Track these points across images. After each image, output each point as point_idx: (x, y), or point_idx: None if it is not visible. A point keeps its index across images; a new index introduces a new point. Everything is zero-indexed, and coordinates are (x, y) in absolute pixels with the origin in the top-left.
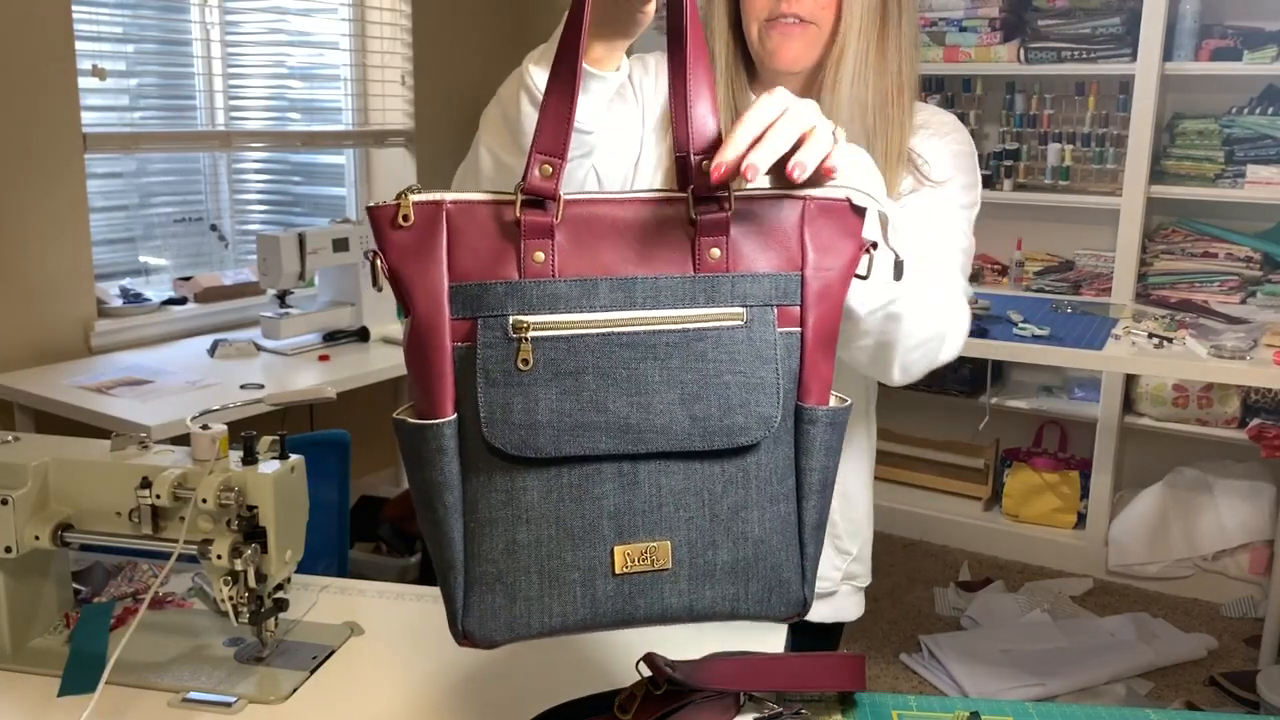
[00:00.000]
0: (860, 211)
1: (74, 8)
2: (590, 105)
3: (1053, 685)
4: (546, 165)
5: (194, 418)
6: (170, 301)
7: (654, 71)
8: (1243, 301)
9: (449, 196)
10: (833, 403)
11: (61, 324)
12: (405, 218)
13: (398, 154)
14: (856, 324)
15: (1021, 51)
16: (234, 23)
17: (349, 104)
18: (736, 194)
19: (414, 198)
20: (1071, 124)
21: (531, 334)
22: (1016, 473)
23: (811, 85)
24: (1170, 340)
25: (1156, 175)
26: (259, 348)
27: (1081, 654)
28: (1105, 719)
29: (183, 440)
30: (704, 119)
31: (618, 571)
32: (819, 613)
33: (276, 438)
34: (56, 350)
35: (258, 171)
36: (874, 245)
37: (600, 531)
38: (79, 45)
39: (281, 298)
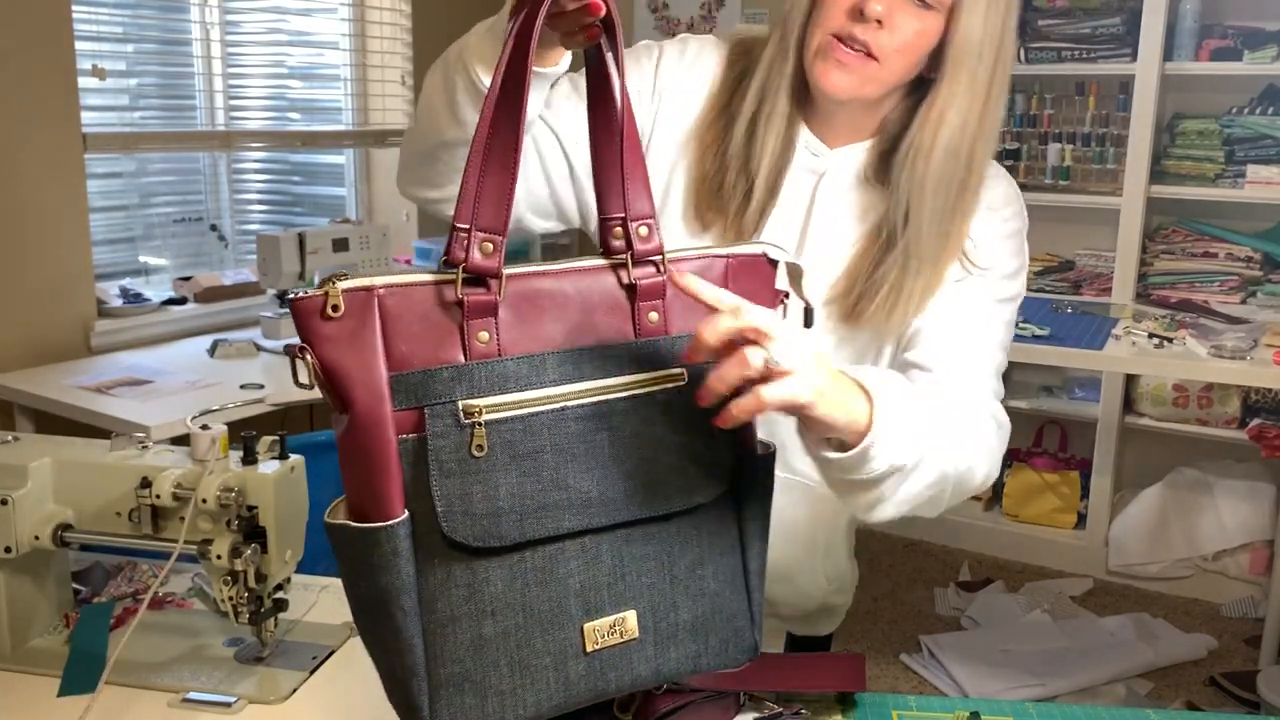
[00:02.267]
0: (776, 264)
1: (74, 8)
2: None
3: (1053, 685)
4: (487, 243)
5: (194, 418)
6: (170, 301)
7: (691, 57)
8: (1243, 301)
9: (379, 281)
10: (766, 443)
11: (61, 324)
12: (335, 308)
13: (397, 154)
14: (868, 488)
15: (1021, 51)
16: (234, 23)
17: (349, 104)
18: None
19: (342, 285)
20: (1071, 124)
21: (485, 417)
22: (1016, 473)
23: (863, 125)
24: (1170, 340)
25: (1156, 175)
26: (259, 348)
27: (1081, 654)
28: (1105, 719)
29: (183, 440)
30: (638, 193)
31: (588, 650)
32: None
33: (276, 438)
34: (56, 350)
35: (258, 171)
36: (786, 295)
37: (568, 612)
38: (79, 45)
39: (281, 298)
